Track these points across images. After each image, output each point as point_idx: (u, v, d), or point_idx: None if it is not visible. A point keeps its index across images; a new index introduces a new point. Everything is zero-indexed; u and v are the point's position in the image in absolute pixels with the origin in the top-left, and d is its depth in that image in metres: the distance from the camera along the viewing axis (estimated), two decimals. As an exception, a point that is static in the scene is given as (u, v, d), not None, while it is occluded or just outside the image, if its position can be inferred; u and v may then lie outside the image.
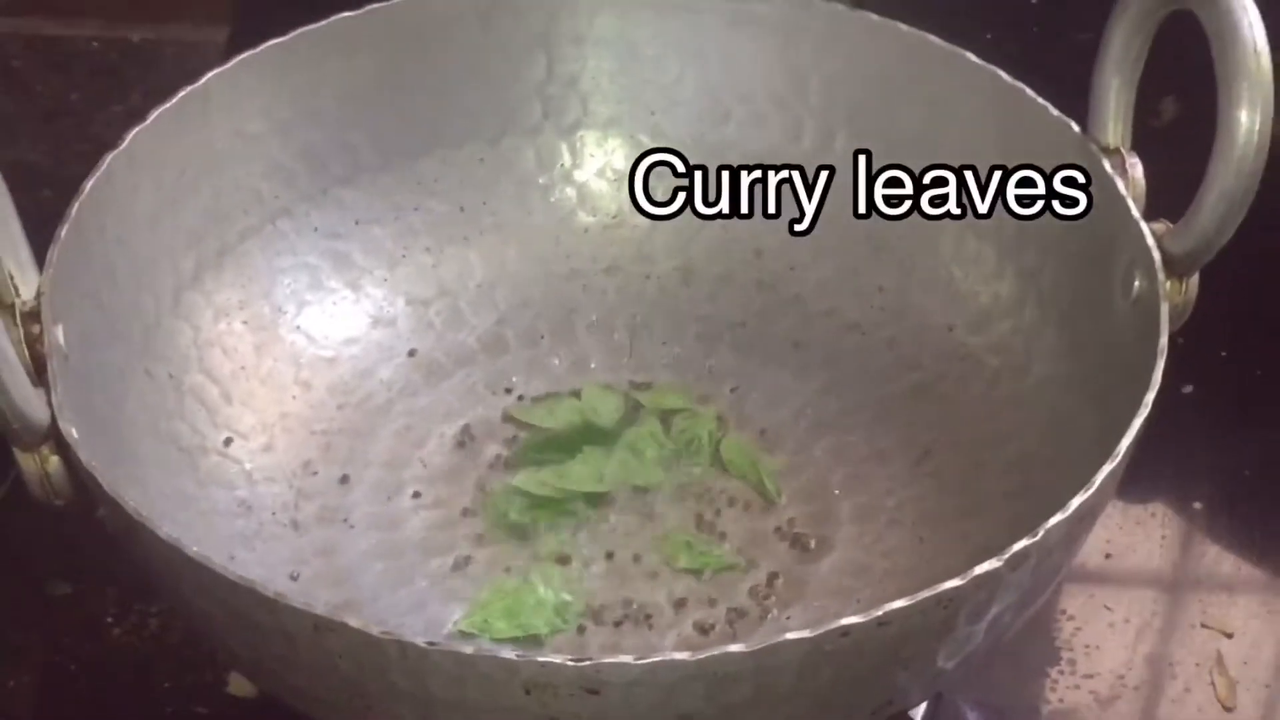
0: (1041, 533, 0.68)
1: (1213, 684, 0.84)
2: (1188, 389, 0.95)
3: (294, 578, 0.81)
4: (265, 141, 0.88)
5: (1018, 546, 0.67)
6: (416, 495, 0.85)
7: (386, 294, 0.92)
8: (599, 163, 0.95)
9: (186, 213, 0.86)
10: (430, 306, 0.92)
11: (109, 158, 0.81)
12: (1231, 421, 0.95)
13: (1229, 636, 0.86)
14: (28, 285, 0.75)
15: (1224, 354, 0.97)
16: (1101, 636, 0.86)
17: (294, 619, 0.65)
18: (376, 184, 0.92)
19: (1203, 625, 0.86)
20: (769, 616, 0.80)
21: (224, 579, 0.66)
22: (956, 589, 0.66)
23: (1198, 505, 0.91)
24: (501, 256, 0.93)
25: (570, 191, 0.95)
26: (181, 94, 0.84)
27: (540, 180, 0.94)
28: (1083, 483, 0.76)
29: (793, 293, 0.93)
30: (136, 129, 0.82)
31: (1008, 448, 0.84)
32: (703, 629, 0.80)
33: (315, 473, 0.86)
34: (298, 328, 0.90)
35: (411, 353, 0.91)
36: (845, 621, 0.64)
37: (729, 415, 0.89)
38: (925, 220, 0.90)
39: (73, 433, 0.71)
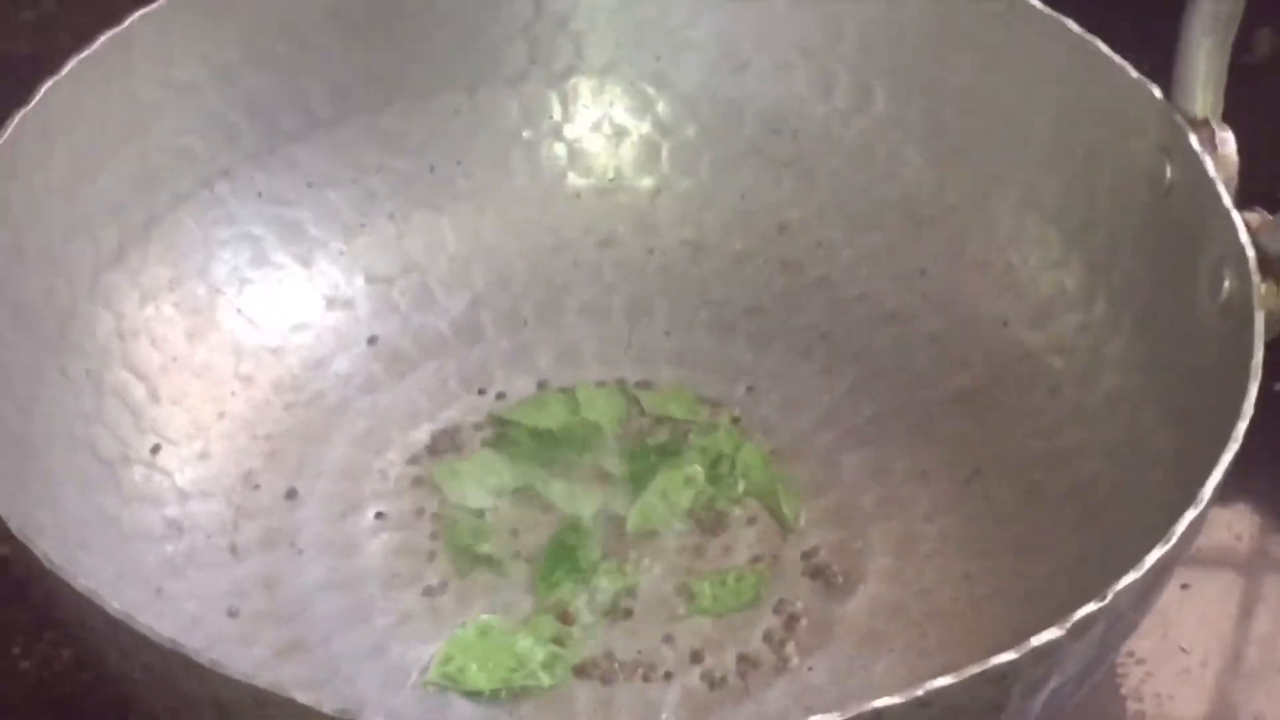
0: (1110, 596, 0.66)
1: (1308, 743, 0.83)
2: (1280, 386, 0.93)
3: (232, 614, 0.80)
4: (201, 92, 0.87)
5: (1082, 613, 0.66)
6: (380, 515, 0.84)
7: (343, 270, 0.90)
8: (594, 116, 0.93)
9: (108, 178, 0.84)
10: (394, 285, 0.91)
11: (17, 117, 0.79)
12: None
13: (1328, 686, 0.84)
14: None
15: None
16: (1176, 685, 0.84)
17: (230, 690, 0.63)
18: (332, 140, 0.90)
19: (1297, 672, 0.85)
20: (788, 666, 0.79)
21: (148, 640, 0.64)
22: (1010, 664, 0.65)
23: (1292, 526, 0.90)
24: (478, 226, 0.92)
25: (560, 149, 0.93)
26: (103, 38, 0.83)
27: (525, 135, 0.93)
28: (1157, 519, 0.75)
29: (820, 274, 0.91)
30: (49, 81, 0.81)
31: (1070, 470, 0.83)
32: (711, 681, 0.79)
33: (258, 486, 0.84)
34: (238, 311, 0.88)
35: (372, 340, 0.89)
36: (878, 704, 0.63)
37: (743, 421, 0.88)
38: (976, 191, 0.89)
39: (-30, 465, 0.70)
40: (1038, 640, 0.65)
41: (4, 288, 0.79)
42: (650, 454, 0.85)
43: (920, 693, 0.63)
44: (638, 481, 0.84)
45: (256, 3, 0.87)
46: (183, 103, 0.86)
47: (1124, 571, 0.72)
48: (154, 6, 0.84)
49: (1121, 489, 0.80)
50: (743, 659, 0.79)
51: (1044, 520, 0.82)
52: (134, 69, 0.84)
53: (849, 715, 0.63)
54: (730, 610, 0.81)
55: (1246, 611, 0.88)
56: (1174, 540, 0.68)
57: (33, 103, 0.80)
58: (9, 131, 0.78)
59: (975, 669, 0.64)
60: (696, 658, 0.79)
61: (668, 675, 0.79)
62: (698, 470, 0.84)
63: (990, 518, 0.83)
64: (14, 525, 0.67)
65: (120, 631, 0.65)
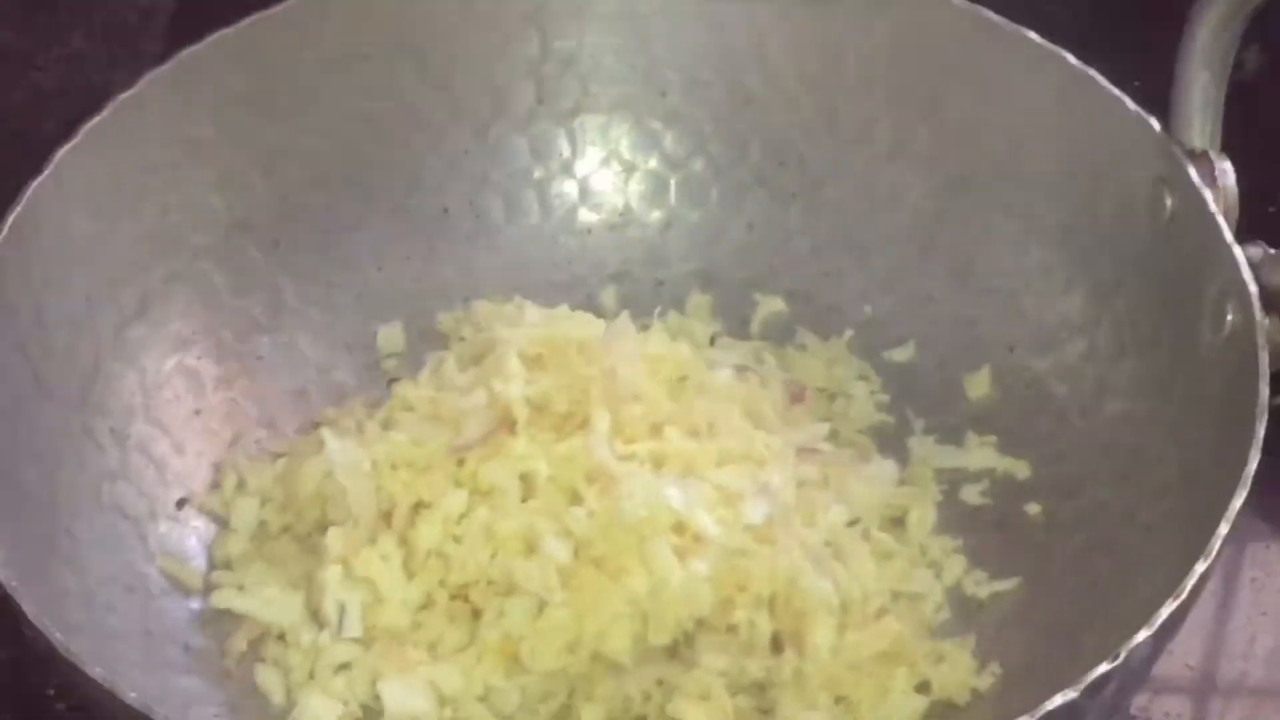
0: (1124, 654, 0.62)
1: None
2: (1281, 400, 0.87)
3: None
4: (216, 147, 0.82)
5: (1096, 673, 0.62)
6: None
7: (361, 313, 0.86)
8: (602, 152, 0.88)
9: (127, 238, 0.80)
10: (411, 326, 0.86)
11: (30, 187, 0.75)
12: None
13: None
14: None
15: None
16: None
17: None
18: (347, 186, 0.85)
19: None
20: None
21: (171, 733, 0.60)
22: (1026, 729, 0.60)
23: (1298, 538, 0.85)
24: (491, 264, 0.87)
25: (570, 186, 0.88)
26: (114, 103, 0.78)
27: (535, 174, 0.88)
28: (1167, 547, 0.71)
29: (828, 302, 0.86)
30: (63, 149, 0.76)
31: (1080, 496, 0.78)
32: None
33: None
34: (259, 359, 0.83)
35: (392, 382, 0.84)
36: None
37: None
38: (980, 219, 0.84)
39: (-9, 550, 0.65)
40: (1052, 704, 0.61)
41: (26, 353, 0.74)
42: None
43: (935, 765, 0.59)
44: None
45: (262, 58, 0.82)
46: (197, 160, 0.81)
47: (1133, 603, 0.69)
48: (163, 68, 0.79)
49: (1129, 516, 0.76)
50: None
51: (1056, 546, 0.78)
52: (147, 130, 0.79)
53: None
54: None
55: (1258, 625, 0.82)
56: (1185, 594, 0.63)
57: (46, 172, 0.75)
58: (24, 203, 0.74)
59: (989, 737, 0.60)
60: None
61: None
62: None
63: (1003, 541, 0.79)
64: (30, 612, 0.63)
65: (139, 720, 0.61)
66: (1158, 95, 0.77)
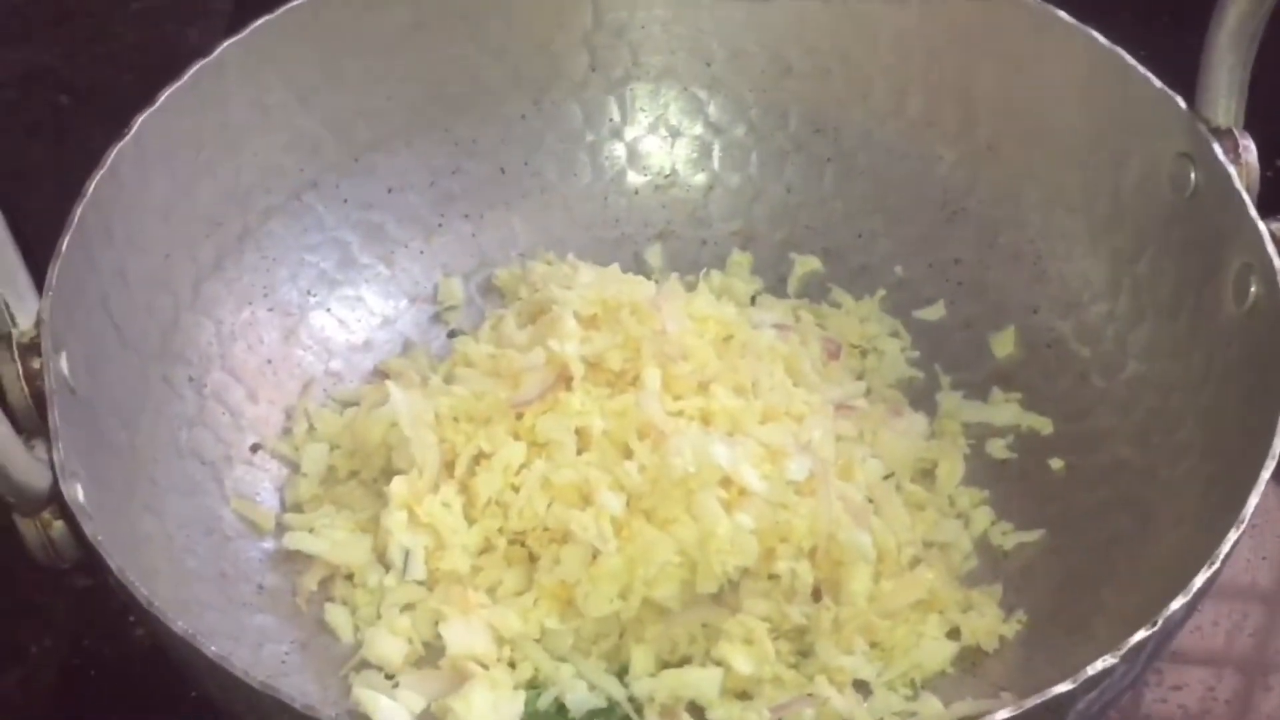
0: (1160, 621, 0.57)
1: (1313, 696, 0.73)
2: None
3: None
4: (288, 110, 0.76)
5: (1135, 639, 0.57)
6: None
7: (423, 267, 0.80)
8: (650, 118, 0.82)
9: (203, 197, 0.74)
10: (470, 279, 0.80)
11: (113, 151, 0.69)
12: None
13: (1330, 644, 0.75)
14: (26, 313, 0.64)
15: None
16: (1189, 642, 0.75)
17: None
18: (410, 147, 0.80)
19: (1301, 628, 0.75)
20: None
21: (245, 685, 0.55)
22: (1068, 693, 0.56)
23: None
24: (545, 222, 0.81)
25: (619, 150, 0.82)
26: (193, 69, 0.72)
27: (587, 138, 0.82)
28: (1186, 507, 0.66)
29: (860, 262, 0.81)
30: (143, 115, 0.70)
31: (1101, 453, 0.73)
32: None
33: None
34: (328, 311, 0.78)
35: (452, 334, 0.79)
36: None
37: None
38: (1006, 187, 0.78)
39: (78, 497, 0.60)
40: (1092, 669, 0.56)
41: (108, 310, 0.69)
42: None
43: (983, 726, 0.54)
44: None
45: (335, 26, 0.76)
46: (271, 122, 0.76)
47: (1151, 558, 0.64)
48: (241, 35, 0.74)
49: (1149, 474, 0.71)
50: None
51: (1078, 500, 0.72)
52: (225, 94, 0.74)
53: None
54: None
55: (1257, 574, 0.77)
56: (1219, 562, 0.58)
57: (127, 136, 0.69)
58: (106, 165, 0.68)
59: (1035, 700, 0.55)
60: None
61: None
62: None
63: (1027, 494, 0.74)
64: (114, 565, 0.58)
65: (218, 673, 0.56)
66: (1181, 73, 0.72)
